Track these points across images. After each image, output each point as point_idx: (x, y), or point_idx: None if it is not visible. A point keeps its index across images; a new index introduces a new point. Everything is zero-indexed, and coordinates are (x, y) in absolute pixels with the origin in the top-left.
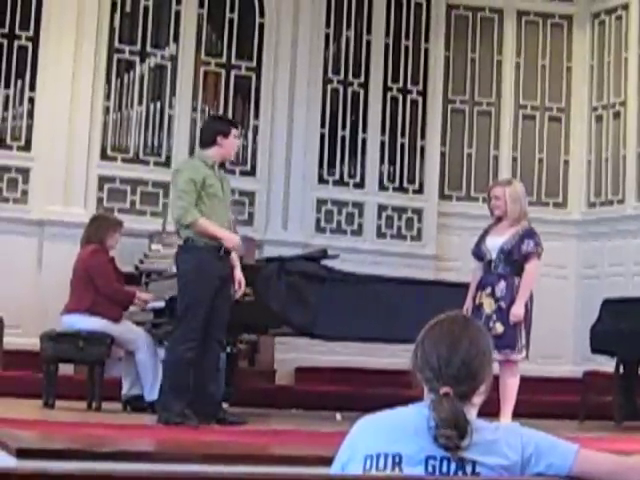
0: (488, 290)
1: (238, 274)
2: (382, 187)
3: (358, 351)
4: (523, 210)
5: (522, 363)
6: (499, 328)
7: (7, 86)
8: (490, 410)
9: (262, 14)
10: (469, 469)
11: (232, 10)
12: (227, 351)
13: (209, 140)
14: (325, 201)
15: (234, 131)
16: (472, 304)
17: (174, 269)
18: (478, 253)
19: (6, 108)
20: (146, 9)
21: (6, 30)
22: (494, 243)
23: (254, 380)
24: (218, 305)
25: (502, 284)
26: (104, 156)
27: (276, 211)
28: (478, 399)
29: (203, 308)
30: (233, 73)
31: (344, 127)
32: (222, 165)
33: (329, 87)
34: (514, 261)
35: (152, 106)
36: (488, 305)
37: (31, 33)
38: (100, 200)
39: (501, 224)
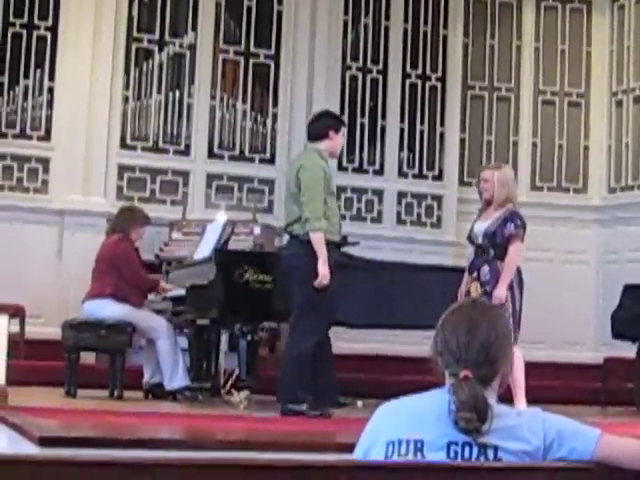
0: (474, 275)
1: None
2: (402, 174)
3: (379, 338)
4: (510, 194)
5: (536, 349)
6: None
7: (26, 76)
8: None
9: (280, 2)
10: (491, 454)
11: None
12: (248, 339)
13: (321, 133)
14: (345, 188)
15: (344, 128)
16: (465, 289)
17: (196, 256)
18: (470, 238)
19: (26, 98)
20: None
21: (25, 20)
22: (480, 227)
23: (275, 367)
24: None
25: (486, 268)
26: (124, 145)
27: None
28: (498, 383)
29: (328, 300)
30: (252, 61)
31: (363, 114)
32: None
33: (348, 74)
34: (497, 244)
35: (171, 95)
36: (474, 289)
37: (50, 23)
38: (120, 189)
39: (489, 208)
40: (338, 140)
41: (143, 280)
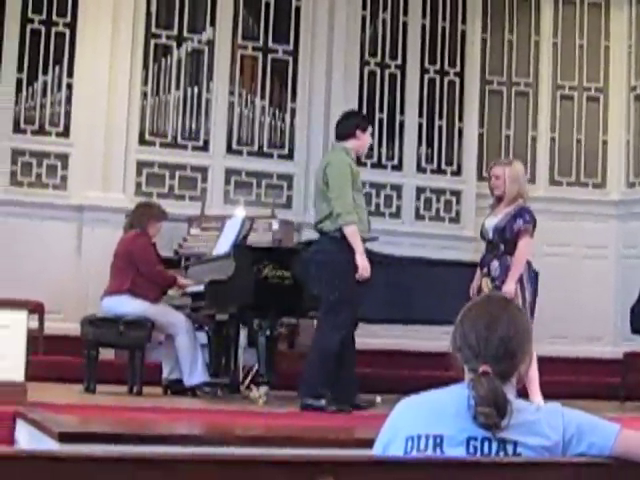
0: (485, 270)
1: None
2: (420, 169)
3: (399, 333)
4: (521, 190)
5: (555, 344)
6: None
7: (45, 72)
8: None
9: None
10: (510, 450)
11: None
12: (267, 334)
13: (348, 132)
14: (363, 183)
15: (370, 128)
16: (477, 285)
17: (215, 251)
18: (482, 234)
19: (44, 94)
20: None
21: (44, 17)
22: (490, 223)
23: (294, 363)
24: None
25: (495, 263)
26: (142, 141)
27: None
28: (517, 380)
29: (356, 297)
30: (270, 57)
31: (381, 109)
32: None
33: (366, 69)
34: (507, 240)
35: (189, 90)
36: (485, 285)
37: (68, 19)
38: (139, 185)
39: (500, 204)
40: (365, 139)
41: (160, 276)
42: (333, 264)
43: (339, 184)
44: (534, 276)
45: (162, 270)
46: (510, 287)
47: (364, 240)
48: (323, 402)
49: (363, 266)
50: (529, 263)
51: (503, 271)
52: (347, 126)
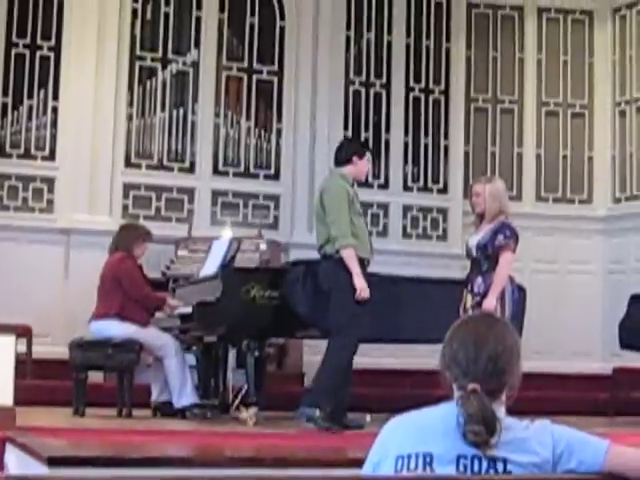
0: (469, 287)
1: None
2: (406, 187)
3: (387, 352)
4: (502, 207)
5: (543, 360)
6: None
7: (30, 96)
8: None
9: (282, 17)
10: (500, 467)
11: (253, 14)
12: (255, 355)
13: (345, 159)
14: None
15: (368, 154)
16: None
17: (203, 273)
18: (467, 252)
19: (30, 118)
20: (167, 15)
21: (28, 40)
22: (473, 241)
23: (283, 383)
24: None
25: (479, 280)
26: (128, 163)
27: (301, 214)
28: (506, 396)
29: (365, 316)
30: (255, 77)
31: (367, 128)
32: None
33: (351, 89)
34: (489, 256)
35: (175, 112)
36: (468, 301)
37: (53, 43)
38: (125, 207)
39: (483, 222)
40: (362, 166)
41: (149, 298)
42: (338, 286)
43: (336, 208)
44: (518, 292)
45: (150, 292)
46: (490, 302)
47: (367, 261)
48: (317, 413)
49: (361, 287)
50: (511, 279)
51: (486, 287)
52: (344, 152)
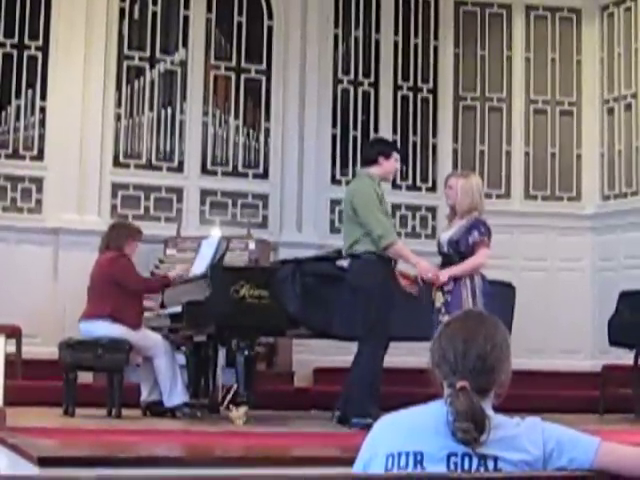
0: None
1: None
2: (395, 186)
3: None
4: (474, 204)
5: (540, 358)
6: None
7: (18, 96)
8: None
9: (270, 16)
10: (491, 465)
11: (240, 13)
12: (245, 354)
13: (371, 159)
14: (339, 202)
15: (395, 154)
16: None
17: (192, 272)
18: (438, 247)
19: (18, 118)
20: (154, 15)
21: (15, 40)
22: (445, 236)
23: (273, 382)
24: None
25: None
26: (117, 163)
27: (290, 213)
28: (496, 394)
29: (389, 315)
30: (243, 76)
31: (355, 127)
32: None
33: (339, 87)
34: (462, 253)
35: (163, 112)
36: (438, 299)
37: (40, 43)
38: (114, 207)
39: (455, 217)
40: (388, 166)
41: (151, 285)
42: (368, 285)
43: (370, 209)
44: (490, 287)
45: (150, 279)
46: (445, 275)
47: (395, 262)
48: (370, 421)
49: (424, 268)
50: (483, 277)
51: (456, 285)
52: (370, 153)
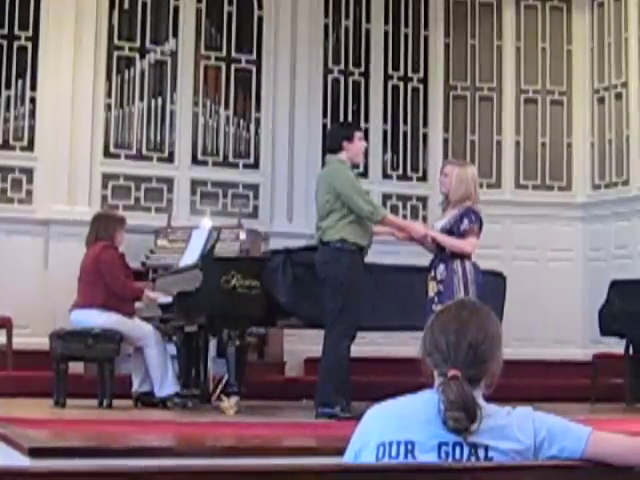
0: (432, 273)
1: None
2: (386, 176)
3: (367, 340)
4: (468, 193)
5: (524, 347)
6: None
7: (8, 87)
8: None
9: (260, 6)
10: (482, 454)
11: (230, 3)
12: (236, 344)
13: (336, 146)
14: None
15: (357, 133)
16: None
17: (182, 262)
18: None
19: (8, 109)
20: (144, 5)
21: (5, 31)
22: (437, 225)
23: (264, 372)
24: None
25: (442, 266)
26: (107, 153)
27: (281, 203)
28: (486, 384)
29: (358, 305)
30: (233, 66)
31: (346, 117)
32: None
33: (330, 77)
34: None
35: (153, 102)
36: (431, 288)
37: (30, 33)
38: (105, 198)
39: (449, 206)
40: (354, 148)
41: (125, 288)
42: (335, 274)
43: (354, 189)
44: (482, 276)
45: (128, 283)
46: (429, 233)
47: (366, 250)
48: (337, 409)
49: (415, 230)
50: (477, 267)
51: (449, 275)
52: (333, 142)
